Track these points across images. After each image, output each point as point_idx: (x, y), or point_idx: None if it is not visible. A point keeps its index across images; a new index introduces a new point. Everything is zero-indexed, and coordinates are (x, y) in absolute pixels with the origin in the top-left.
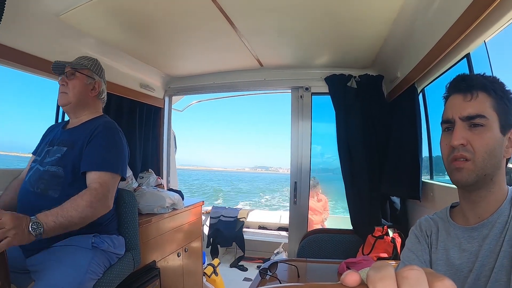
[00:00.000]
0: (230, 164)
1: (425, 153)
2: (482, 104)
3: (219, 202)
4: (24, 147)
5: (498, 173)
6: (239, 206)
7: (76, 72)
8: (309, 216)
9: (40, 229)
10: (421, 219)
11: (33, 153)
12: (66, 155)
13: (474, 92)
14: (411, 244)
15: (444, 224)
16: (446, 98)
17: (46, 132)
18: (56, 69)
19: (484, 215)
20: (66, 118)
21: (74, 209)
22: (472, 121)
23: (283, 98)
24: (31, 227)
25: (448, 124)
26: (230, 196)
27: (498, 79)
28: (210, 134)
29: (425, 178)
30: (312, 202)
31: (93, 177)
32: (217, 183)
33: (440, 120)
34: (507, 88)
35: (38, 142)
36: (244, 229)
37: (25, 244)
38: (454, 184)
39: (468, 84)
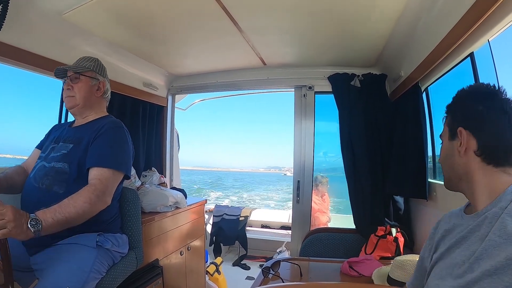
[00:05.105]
0: (246, 165)
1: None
2: None
3: None
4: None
5: None
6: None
7: (80, 76)
8: (316, 215)
9: (39, 226)
10: (446, 214)
11: (37, 147)
12: (72, 152)
13: None
14: (423, 250)
15: (457, 219)
16: None
17: (50, 130)
18: (59, 74)
19: None
20: (69, 118)
21: (73, 205)
22: None
23: (291, 98)
24: (29, 223)
25: None
26: None
27: None
28: (218, 133)
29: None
30: (319, 202)
31: (94, 173)
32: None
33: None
34: None
35: (43, 138)
36: (247, 228)
37: (22, 239)
38: None
39: None
